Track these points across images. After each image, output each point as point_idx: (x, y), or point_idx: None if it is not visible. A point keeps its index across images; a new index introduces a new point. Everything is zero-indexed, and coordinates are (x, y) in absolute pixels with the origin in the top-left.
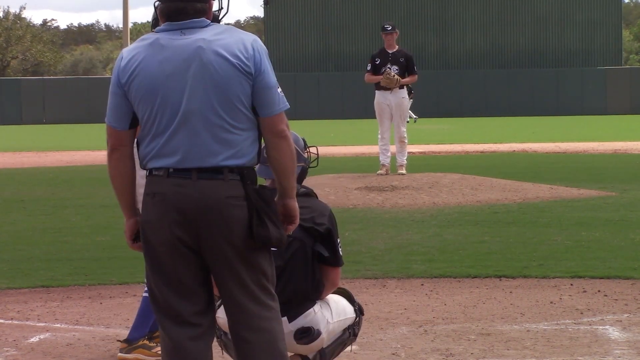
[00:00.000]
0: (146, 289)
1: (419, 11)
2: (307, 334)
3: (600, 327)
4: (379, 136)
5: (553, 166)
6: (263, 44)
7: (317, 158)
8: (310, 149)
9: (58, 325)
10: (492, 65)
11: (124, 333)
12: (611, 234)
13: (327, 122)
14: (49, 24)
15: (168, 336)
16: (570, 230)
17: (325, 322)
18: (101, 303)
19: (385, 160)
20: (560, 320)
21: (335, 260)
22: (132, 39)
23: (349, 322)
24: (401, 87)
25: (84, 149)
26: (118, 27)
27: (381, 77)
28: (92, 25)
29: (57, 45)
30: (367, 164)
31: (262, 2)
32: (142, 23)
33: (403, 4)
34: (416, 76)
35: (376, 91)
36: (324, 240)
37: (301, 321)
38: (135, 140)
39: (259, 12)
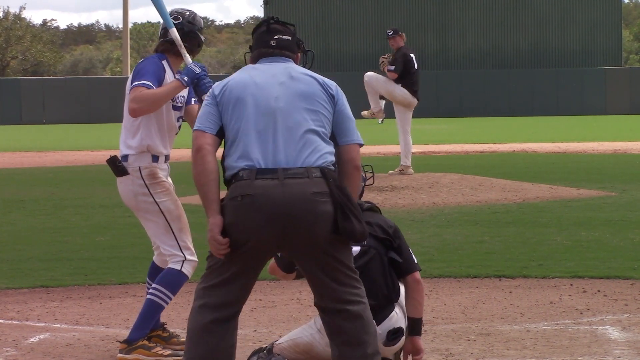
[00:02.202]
0: (150, 290)
1: (419, 11)
2: (398, 335)
3: (600, 327)
4: (405, 132)
5: (553, 166)
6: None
7: (372, 176)
8: (365, 168)
9: (58, 325)
10: (492, 65)
11: (124, 333)
12: (611, 234)
13: None
14: (48, 24)
15: (201, 316)
16: (570, 230)
17: (404, 319)
18: (101, 303)
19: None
20: (560, 320)
21: (409, 266)
22: (132, 39)
23: None
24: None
25: (83, 149)
26: (118, 27)
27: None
28: (92, 25)
29: (57, 45)
30: (367, 164)
31: (262, 2)
32: (142, 23)
33: (403, 4)
34: (395, 75)
35: (406, 89)
36: (396, 250)
37: (387, 324)
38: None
39: (259, 12)
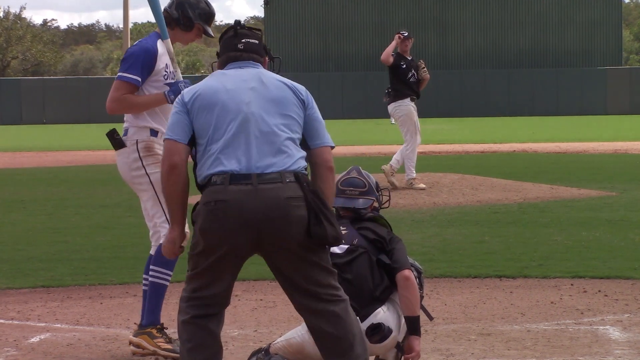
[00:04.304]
0: (150, 273)
1: (419, 11)
2: (377, 331)
3: (601, 327)
4: (411, 149)
5: (553, 166)
6: None
7: (389, 200)
8: (383, 191)
9: (58, 325)
10: (492, 65)
11: (125, 333)
12: (611, 234)
13: (327, 122)
14: (49, 24)
15: (191, 319)
16: (570, 230)
17: (397, 318)
18: (101, 303)
19: (414, 173)
20: (560, 321)
21: (400, 265)
22: (132, 39)
23: None
24: (419, 97)
25: (84, 149)
26: (118, 27)
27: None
28: (93, 25)
29: (57, 46)
30: (367, 164)
31: (262, 2)
32: (142, 23)
33: (403, 4)
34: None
35: (407, 99)
36: (387, 253)
37: (371, 320)
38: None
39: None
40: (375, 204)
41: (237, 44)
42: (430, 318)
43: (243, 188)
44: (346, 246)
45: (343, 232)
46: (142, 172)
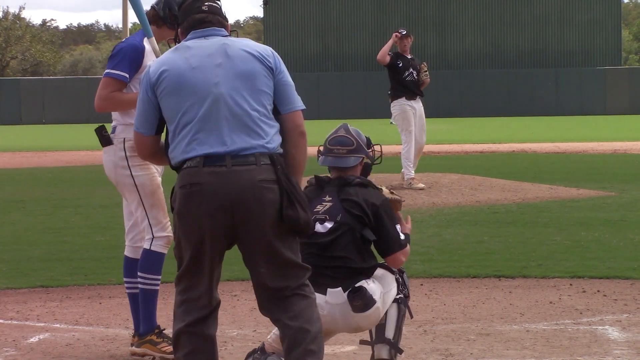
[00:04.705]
0: (138, 280)
1: (419, 11)
2: (359, 294)
3: (600, 327)
4: (407, 148)
5: (553, 166)
6: None
7: (381, 155)
8: (375, 146)
9: (57, 325)
10: (492, 65)
11: (124, 333)
12: (611, 234)
13: (327, 122)
14: (48, 24)
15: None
16: (570, 230)
17: (380, 292)
18: (100, 303)
19: (412, 172)
20: (559, 321)
21: (387, 247)
22: None
23: (394, 293)
24: (422, 95)
25: (83, 149)
26: (117, 27)
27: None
28: (92, 25)
29: (57, 45)
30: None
31: (262, 2)
32: None
33: (403, 4)
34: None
35: (400, 100)
36: (373, 228)
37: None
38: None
39: (259, 12)
40: (367, 161)
41: (201, 6)
42: (411, 316)
43: (217, 170)
44: (330, 224)
45: (328, 204)
46: (128, 172)
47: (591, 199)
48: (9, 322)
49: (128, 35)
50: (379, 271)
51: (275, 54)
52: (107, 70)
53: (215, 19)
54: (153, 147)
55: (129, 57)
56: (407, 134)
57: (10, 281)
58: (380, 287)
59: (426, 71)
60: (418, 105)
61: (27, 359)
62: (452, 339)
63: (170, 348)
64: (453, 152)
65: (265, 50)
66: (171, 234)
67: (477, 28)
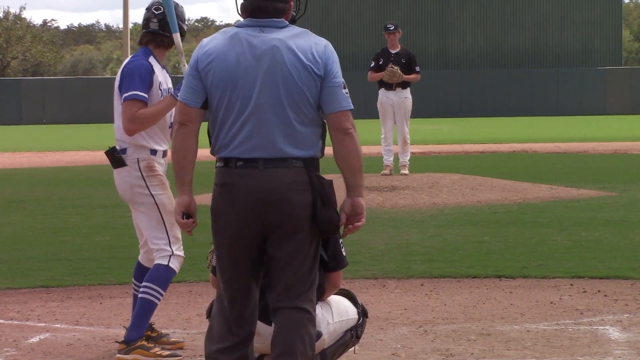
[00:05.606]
0: (141, 289)
1: (419, 11)
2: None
3: (601, 327)
4: (382, 136)
5: (553, 166)
6: (334, 49)
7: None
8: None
9: (58, 325)
10: (492, 65)
11: (124, 333)
12: (611, 234)
13: None
14: (49, 24)
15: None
16: (570, 231)
17: (326, 322)
18: (101, 303)
19: (388, 160)
20: (560, 321)
21: (335, 263)
22: (132, 39)
23: (352, 324)
24: (404, 86)
25: (83, 149)
26: (118, 27)
27: (383, 73)
28: (92, 25)
29: (57, 46)
30: (368, 164)
31: None
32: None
33: (403, 4)
34: (419, 75)
35: (379, 90)
36: (324, 242)
37: None
38: (207, 129)
39: None
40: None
41: None
42: (354, 352)
43: (249, 172)
44: None
45: None
46: (147, 192)
47: (591, 199)
48: (10, 322)
49: (128, 35)
50: (337, 298)
51: (329, 54)
52: (125, 94)
53: (273, 7)
54: (194, 119)
55: (142, 76)
56: (382, 123)
57: (11, 281)
58: (330, 315)
59: (392, 71)
60: (398, 96)
61: (28, 359)
62: (453, 339)
63: (164, 352)
64: (453, 152)
65: (317, 54)
66: (184, 255)
67: (477, 28)
